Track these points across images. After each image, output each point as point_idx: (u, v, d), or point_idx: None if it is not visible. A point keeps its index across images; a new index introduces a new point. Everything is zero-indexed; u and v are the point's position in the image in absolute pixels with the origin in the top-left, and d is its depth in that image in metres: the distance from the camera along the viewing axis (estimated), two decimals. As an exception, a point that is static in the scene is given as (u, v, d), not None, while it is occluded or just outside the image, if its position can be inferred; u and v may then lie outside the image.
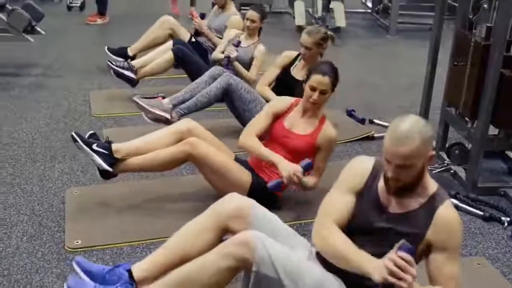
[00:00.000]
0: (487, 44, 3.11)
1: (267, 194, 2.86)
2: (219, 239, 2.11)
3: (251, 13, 4.29)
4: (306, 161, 2.77)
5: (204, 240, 2.13)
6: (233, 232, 2.08)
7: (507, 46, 3.17)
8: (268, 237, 1.97)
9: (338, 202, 2.01)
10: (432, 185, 1.95)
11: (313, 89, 2.86)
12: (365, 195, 2.00)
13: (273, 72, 3.84)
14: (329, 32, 3.69)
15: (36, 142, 3.79)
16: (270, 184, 2.81)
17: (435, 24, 3.76)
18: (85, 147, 2.81)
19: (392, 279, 1.70)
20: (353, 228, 1.98)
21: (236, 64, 4.21)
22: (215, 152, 2.84)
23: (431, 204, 1.91)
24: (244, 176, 2.88)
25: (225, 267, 1.94)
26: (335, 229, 1.94)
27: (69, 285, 2.08)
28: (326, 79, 2.84)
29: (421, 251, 1.92)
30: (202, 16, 4.92)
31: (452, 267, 1.91)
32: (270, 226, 2.12)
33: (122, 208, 2.98)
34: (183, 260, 2.07)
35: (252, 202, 2.19)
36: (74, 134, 2.84)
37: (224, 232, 2.15)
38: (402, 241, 1.76)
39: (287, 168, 2.76)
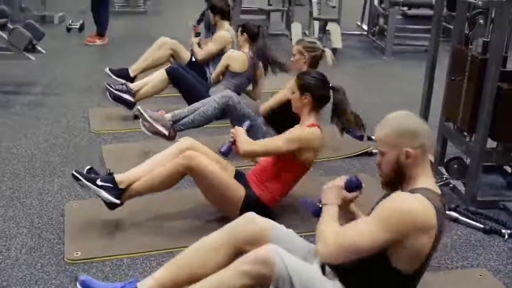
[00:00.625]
0: (484, 59, 3.16)
1: (259, 208, 2.85)
2: (232, 260, 2.05)
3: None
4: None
5: (217, 260, 2.09)
6: (247, 253, 2.02)
7: (503, 60, 3.22)
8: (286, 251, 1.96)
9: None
10: (422, 185, 1.91)
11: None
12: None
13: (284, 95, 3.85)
14: (320, 46, 3.75)
15: (35, 157, 3.80)
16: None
17: (431, 43, 3.81)
18: (89, 184, 2.79)
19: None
20: None
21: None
22: (212, 165, 2.84)
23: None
24: (238, 192, 2.89)
25: (244, 285, 1.90)
26: None
27: None
28: (294, 79, 3.00)
29: None
30: (197, 35, 4.98)
31: (353, 224, 1.93)
32: (288, 244, 2.10)
33: (121, 220, 2.97)
34: (192, 279, 2.04)
35: (271, 223, 2.16)
36: (76, 173, 2.81)
37: (238, 253, 2.10)
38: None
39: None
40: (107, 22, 7.16)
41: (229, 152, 3.00)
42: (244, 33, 4.41)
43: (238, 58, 4.40)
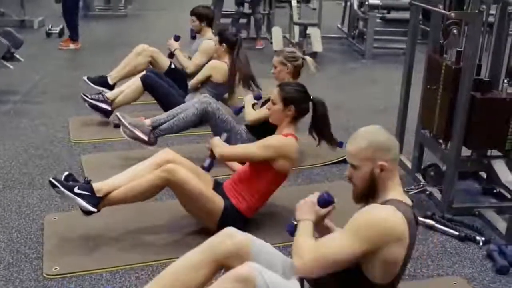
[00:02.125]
0: (457, 68, 3.21)
1: (236, 218, 2.91)
2: (213, 276, 2.08)
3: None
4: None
5: (198, 277, 2.09)
6: (228, 268, 2.04)
7: (477, 68, 3.27)
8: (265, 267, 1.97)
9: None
10: (392, 196, 1.97)
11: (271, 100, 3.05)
12: None
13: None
14: (299, 55, 3.79)
15: (14, 168, 3.78)
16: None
17: (408, 48, 3.86)
18: (66, 192, 2.78)
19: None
20: None
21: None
22: (192, 179, 2.86)
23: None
24: (216, 203, 2.91)
25: None
26: None
27: None
28: (275, 90, 3.01)
29: None
30: (177, 38, 4.98)
31: (333, 235, 2.01)
32: (268, 258, 2.12)
33: (101, 234, 2.97)
34: None
35: (250, 238, 2.18)
36: (53, 180, 2.79)
37: (219, 269, 2.12)
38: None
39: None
40: (77, 26, 7.14)
41: (211, 167, 3.06)
42: (223, 44, 4.42)
43: (220, 69, 4.42)
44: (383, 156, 1.95)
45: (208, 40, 4.93)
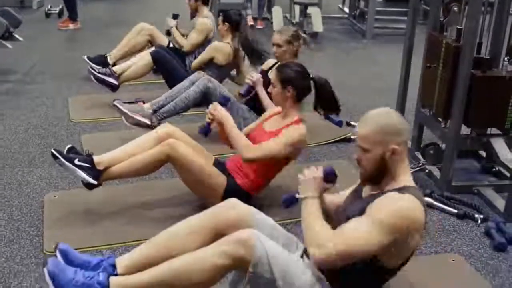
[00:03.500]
0: (457, 46, 3.19)
1: (239, 197, 2.89)
2: (211, 243, 2.06)
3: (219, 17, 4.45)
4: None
5: (196, 241, 2.09)
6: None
7: (478, 46, 3.26)
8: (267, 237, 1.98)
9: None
10: (406, 182, 1.96)
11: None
12: (354, 189, 2.15)
13: None
14: (301, 33, 3.76)
15: (14, 148, 3.79)
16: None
17: (408, 28, 3.84)
18: (67, 163, 2.80)
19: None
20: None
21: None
22: (193, 154, 2.87)
23: (390, 191, 1.93)
24: (219, 180, 2.92)
25: (220, 265, 1.92)
26: None
27: (49, 269, 2.01)
28: (274, 73, 2.98)
29: None
30: (175, 17, 4.94)
31: (349, 225, 1.87)
32: (269, 231, 2.12)
33: (101, 211, 2.99)
34: (169, 259, 2.04)
35: (253, 210, 2.18)
36: (54, 151, 2.82)
37: (218, 237, 2.09)
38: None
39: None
40: (76, 6, 7.10)
41: (208, 131, 3.04)
42: (226, 23, 4.38)
43: (223, 50, 4.37)
44: (395, 140, 1.91)
45: (204, 18, 4.89)
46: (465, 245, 2.87)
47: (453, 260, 2.73)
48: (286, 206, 2.17)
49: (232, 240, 1.93)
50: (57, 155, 2.81)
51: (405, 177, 1.97)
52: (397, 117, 1.98)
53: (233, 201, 2.21)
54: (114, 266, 2.08)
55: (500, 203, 3.17)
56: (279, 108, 3.08)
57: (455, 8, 3.27)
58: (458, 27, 3.25)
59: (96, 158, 2.86)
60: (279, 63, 3.85)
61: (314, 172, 2.09)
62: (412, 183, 1.97)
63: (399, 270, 2.04)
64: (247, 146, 2.88)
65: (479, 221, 3.04)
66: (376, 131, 1.92)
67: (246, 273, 1.91)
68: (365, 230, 1.83)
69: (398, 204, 1.85)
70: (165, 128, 3.05)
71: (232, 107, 3.61)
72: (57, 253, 2.13)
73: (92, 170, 2.83)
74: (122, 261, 2.11)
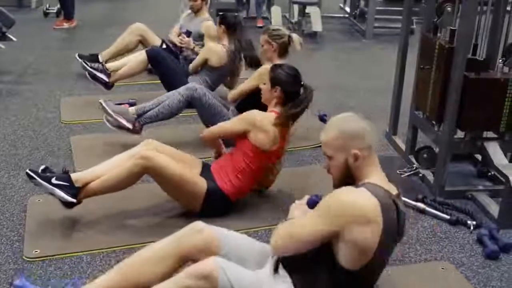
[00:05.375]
0: (451, 47, 3.11)
1: (220, 201, 2.87)
2: (178, 269, 2.05)
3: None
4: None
5: (162, 270, 2.05)
6: (194, 261, 2.01)
7: (473, 48, 3.17)
8: (235, 262, 1.95)
9: None
10: (369, 180, 1.93)
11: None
12: None
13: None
14: (287, 33, 3.68)
15: (1, 149, 3.73)
16: None
17: (402, 28, 3.77)
18: (44, 183, 2.73)
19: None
20: None
21: None
22: (169, 162, 2.80)
23: None
24: (198, 185, 2.86)
25: None
26: None
27: None
28: (268, 70, 3.02)
29: None
30: (188, 34, 4.78)
31: (304, 216, 1.99)
32: (238, 251, 2.09)
33: (84, 217, 2.93)
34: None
35: (219, 232, 2.13)
36: (30, 172, 2.74)
37: (184, 262, 2.08)
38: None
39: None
40: (73, 4, 7.05)
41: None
42: (222, 25, 4.30)
43: (216, 52, 4.28)
44: (356, 145, 1.91)
45: (208, 21, 4.82)
46: (456, 253, 2.79)
47: (443, 269, 2.65)
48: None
49: (194, 274, 1.88)
50: (33, 175, 2.74)
51: (372, 177, 1.93)
52: (356, 122, 1.96)
53: (198, 225, 2.14)
54: None
55: (494, 208, 3.09)
56: None
57: (449, 9, 3.19)
58: (452, 28, 3.17)
59: (73, 176, 2.80)
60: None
61: (301, 201, 2.19)
62: (379, 183, 1.92)
63: (369, 277, 1.97)
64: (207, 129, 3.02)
65: (472, 228, 2.96)
66: (335, 137, 1.94)
67: None
68: (308, 218, 1.93)
69: (342, 195, 1.88)
70: (146, 145, 2.97)
71: (220, 118, 3.57)
72: None
73: (70, 188, 2.76)
74: None
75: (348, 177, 1.94)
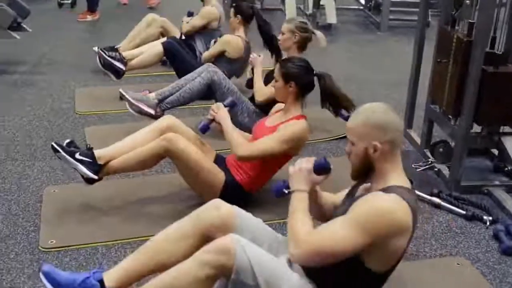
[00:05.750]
0: (469, 41, 3.07)
1: (238, 194, 2.86)
2: (199, 248, 2.02)
3: (231, 9, 4.33)
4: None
5: (183, 248, 2.06)
6: (213, 240, 1.99)
7: (491, 41, 3.14)
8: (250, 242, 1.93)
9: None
10: (395, 182, 1.88)
11: None
12: (350, 188, 2.10)
13: None
14: (310, 28, 3.66)
15: (17, 140, 3.76)
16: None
17: (419, 21, 3.73)
18: (68, 157, 2.76)
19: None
20: None
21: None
22: (192, 149, 2.81)
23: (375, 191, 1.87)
24: (217, 176, 2.86)
25: (204, 276, 1.87)
26: None
27: None
28: (277, 67, 2.90)
29: None
30: (190, 14, 4.83)
31: (327, 226, 1.84)
32: (254, 233, 2.07)
33: (100, 207, 2.95)
34: (159, 268, 2.02)
35: (236, 211, 2.13)
36: (55, 145, 2.77)
37: (205, 240, 2.07)
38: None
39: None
40: None
41: (207, 129, 2.97)
42: (238, 15, 4.29)
43: (234, 44, 4.28)
44: (379, 137, 1.86)
45: (208, 6, 4.81)
46: (472, 248, 2.77)
47: (458, 264, 2.63)
48: (276, 196, 2.11)
49: (212, 249, 1.88)
50: (58, 148, 2.76)
51: (395, 177, 1.89)
52: (387, 114, 1.90)
53: (217, 202, 2.16)
54: (101, 281, 2.04)
55: (510, 204, 3.06)
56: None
57: (467, 1, 3.14)
58: (470, 21, 3.12)
59: (96, 153, 2.82)
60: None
61: (304, 164, 2.00)
62: (404, 184, 1.88)
63: (389, 275, 1.95)
64: (240, 145, 2.81)
65: (488, 223, 2.94)
66: (361, 124, 1.89)
67: (229, 280, 1.85)
68: (340, 229, 1.78)
69: (377, 204, 1.78)
70: (167, 120, 3.00)
71: (238, 104, 3.53)
72: (41, 276, 2.08)
73: (93, 164, 2.79)
74: (110, 276, 2.06)
75: (366, 167, 1.91)
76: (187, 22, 4.83)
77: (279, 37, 3.74)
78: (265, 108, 3.57)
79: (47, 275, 2.06)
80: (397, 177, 1.89)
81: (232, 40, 4.29)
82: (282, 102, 2.97)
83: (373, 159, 1.89)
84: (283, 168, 2.97)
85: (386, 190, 1.83)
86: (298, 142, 2.86)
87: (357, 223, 1.76)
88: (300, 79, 2.86)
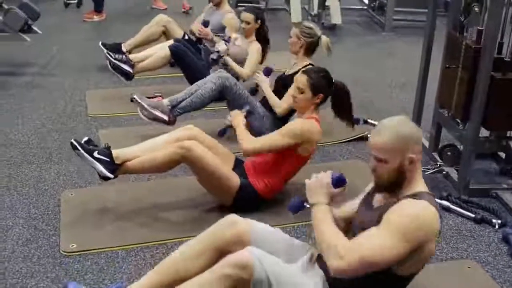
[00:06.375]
0: (477, 48, 3.13)
1: (252, 198, 2.95)
2: (215, 262, 2.08)
3: (245, 15, 4.31)
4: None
5: (200, 264, 2.12)
6: (230, 253, 2.05)
7: (498, 46, 3.20)
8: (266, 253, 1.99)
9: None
10: (420, 187, 1.96)
11: (295, 86, 2.98)
12: (364, 199, 2.12)
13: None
14: (319, 33, 3.72)
15: (32, 143, 3.82)
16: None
17: (428, 21, 3.75)
18: (86, 155, 2.82)
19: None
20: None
21: (228, 59, 4.22)
22: (209, 156, 2.87)
23: (405, 198, 1.92)
24: (232, 182, 2.93)
25: None
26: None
27: None
28: (303, 78, 2.94)
29: None
30: (206, 25, 4.83)
31: (368, 236, 1.85)
32: (270, 245, 2.13)
33: (118, 210, 3.01)
34: (177, 284, 2.08)
35: (252, 225, 2.18)
36: (74, 142, 2.83)
37: (221, 255, 2.12)
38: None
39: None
40: None
41: (225, 133, 3.20)
42: (259, 20, 4.30)
43: (260, 51, 4.33)
44: (413, 149, 1.91)
45: (230, 14, 4.86)
46: (482, 251, 2.84)
47: (469, 267, 2.70)
48: (294, 213, 2.17)
49: (231, 263, 1.94)
50: (77, 146, 2.83)
51: (419, 183, 1.97)
52: (413, 126, 1.97)
53: (232, 218, 2.21)
54: None
55: (518, 207, 3.13)
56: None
57: (476, 9, 3.20)
58: (479, 28, 3.19)
59: (114, 152, 2.88)
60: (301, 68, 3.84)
61: (323, 177, 2.05)
62: (426, 188, 1.97)
63: (411, 278, 2.02)
64: (246, 139, 2.97)
65: (497, 226, 3.00)
66: (394, 141, 1.90)
67: None
68: (383, 239, 1.82)
69: (415, 212, 1.85)
70: (187, 130, 3.05)
71: (252, 113, 3.60)
72: None
73: (110, 164, 2.85)
74: None
75: (398, 180, 1.94)
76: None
77: (289, 40, 3.79)
78: (285, 118, 3.65)
79: None
80: (421, 182, 1.98)
81: (260, 48, 4.32)
82: (301, 112, 3.01)
83: (406, 171, 1.93)
84: (297, 183, 3.02)
85: (416, 196, 1.91)
86: (303, 138, 2.92)
87: (398, 231, 1.81)
88: (328, 91, 2.96)
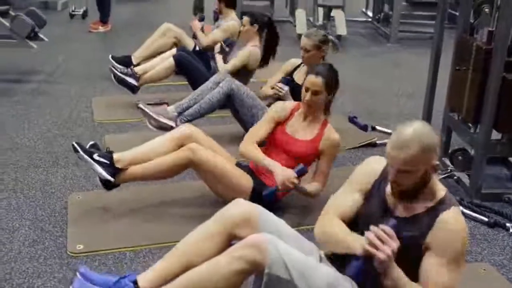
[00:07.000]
0: (488, 49, 3.11)
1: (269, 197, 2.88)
2: (226, 246, 2.07)
3: (243, 19, 4.39)
4: (300, 166, 2.75)
5: (211, 248, 2.10)
6: (240, 238, 2.04)
7: (509, 50, 3.18)
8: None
9: (344, 199, 2.09)
10: (440, 190, 1.95)
11: (306, 89, 2.88)
12: (373, 196, 2.03)
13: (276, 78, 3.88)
14: (329, 36, 3.72)
15: (38, 147, 3.79)
16: (264, 192, 2.80)
17: (436, 30, 3.75)
18: (86, 156, 2.80)
19: (371, 249, 1.76)
20: (359, 228, 1.99)
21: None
22: (216, 158, 2.84)
23: (437, 209, 1.90)
24: (245, 181, 2.88)
25: (238, 270, 1.91)
26: (335, 219, 2.03)
27: None
28: (318, 79, 2.86)
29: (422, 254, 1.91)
30: (201, 19, 4.89)
31: (444, 275, 1.85)
32: (278, 231, 2.09)
33: (124, 213, 2.97)
34: (189, 269, 2.04)
35: (259, 209, 2.16)
36: (75, 144, 2.83)
37: (231, 239, 2.12)
38: (390, 218, 1.88)
39: (280, 175, 2.75)
40: (109, 9, 7.11)
41: (273, 197, 2.86)
42: (256, 24, 4.32)
43: (257, 57, 4.34)
44: (436, 156, 1.88)
45: (232, 21, 4.87)
46: (496, 255, 2.79)
47: (484, 270, 2.65)
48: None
49: (245, 245, 1.93)
50: (78, 148, 2.82)
51: (438, 186, 1.96)
52: (431, 130, 1.90)
53: (238, 200, 2.20)
54: (134, 282, 2.08)
55: (531, 211, 3.08)
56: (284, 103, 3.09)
57: (486, 10, 3.19)
58: (490, 29, 3.17)
59: (115, 156, 2.86)
60: (303, 65, 3.82)
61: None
62: (443, 187, 1.97)
63: None
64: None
65: (511, 230, 2.96)
66: (420, 153, 1.83)
67: (263, 275, 1.88)
68: (455, 272, 1.88)
69: (463, 236, 1.88)
70: (185, 129, 3.02)
71: (259, 112, 3.58)
72: (78, 276, 2.13)
73: (110, 167, 2.82)
74: (143, 278, 2.11)
75: (420, 186, 1.91)
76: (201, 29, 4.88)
77: (301, 53, 3.69)
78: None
79: (83, 275, 2.12)
80: (438, 182, 1.96)
81: (254, 52, 4.33)
82: (312, 113, 2.96)
83: (429, 177, 1.91)
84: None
85: (444, 202, 1.91)
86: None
87: (459, 260, 1.89)
88: (337, 86, 2.95)
